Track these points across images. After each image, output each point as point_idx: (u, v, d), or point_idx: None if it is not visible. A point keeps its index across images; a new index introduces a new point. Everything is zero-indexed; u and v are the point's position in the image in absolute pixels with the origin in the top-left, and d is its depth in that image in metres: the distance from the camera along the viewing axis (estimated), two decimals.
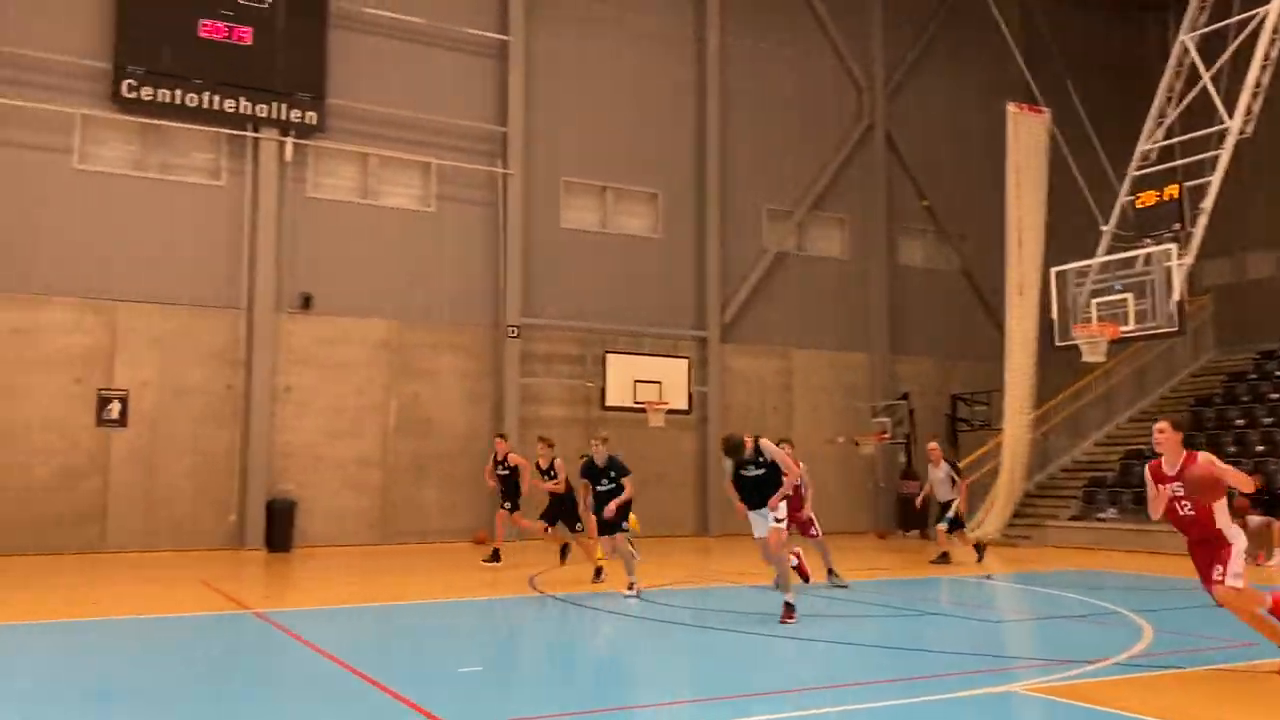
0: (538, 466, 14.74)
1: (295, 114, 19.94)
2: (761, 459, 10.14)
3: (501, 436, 16.68)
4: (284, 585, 14.69)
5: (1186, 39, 20.09)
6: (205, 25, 19.38)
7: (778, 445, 12.99)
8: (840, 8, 25.92)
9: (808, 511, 13.26)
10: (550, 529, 14.50)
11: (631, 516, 12.67)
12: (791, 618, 9.90)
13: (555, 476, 14.43)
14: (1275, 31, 18.43)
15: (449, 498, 20.68)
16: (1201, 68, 19.52)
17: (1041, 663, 8.57)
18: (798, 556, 12.51)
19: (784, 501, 10.24)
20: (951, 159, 27.01)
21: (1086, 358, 19.18)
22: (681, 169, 23.93)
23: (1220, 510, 7.38)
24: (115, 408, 18.53)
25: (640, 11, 23.69)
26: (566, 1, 22.91)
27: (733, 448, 10.10)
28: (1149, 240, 19.22)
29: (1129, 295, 18.37)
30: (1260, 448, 20.31)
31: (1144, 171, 20.20)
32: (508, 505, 15.59)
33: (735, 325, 24.19)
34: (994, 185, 22.86)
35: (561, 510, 14.36)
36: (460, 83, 21.77)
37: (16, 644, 9.40)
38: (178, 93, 19.08)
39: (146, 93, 18.88)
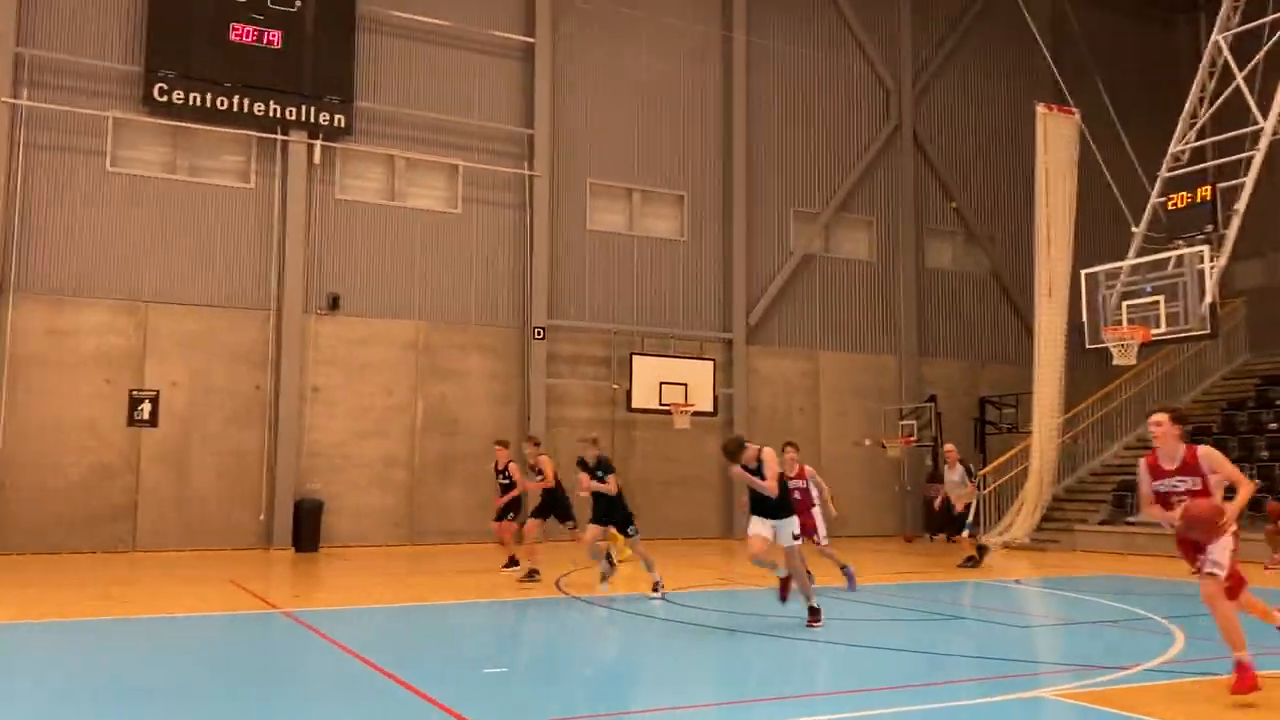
0: (529, 467, 14.61)
1: (324, 117, 20.09)
2: (760, 469, 10.01)
3: (502, 444, 15.79)
4: (312, 585, 14.78)
5: (1219, 38, 19.87)
6: (236, 29, 19.56)
7: (783, 448, 13.02)
8: (868, 9, 25.82)
9: (816, 517, 13.17)
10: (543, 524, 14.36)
11: (612, 530, 12.73)
12: (818, 622, 9.86)
13: (542, 475, 14.27)
14: None
15: (475, 498, 20.73)
16: (1235, 67, 19.30)
17: (1071, 668, 8.50)
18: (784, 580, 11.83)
19: (795, 516, 10.19)
20: (980, 160, 26.85)
21: (1117, 360, 18.98)
22: (708, 171, 23.91)
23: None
24: (146, 408, 18.72)
25: (666, 13, 23.69)
26: (593, 4, 22.94)
27: (729, 452, 10.02)
28: (1180, 242, 19.03)
29: (1160, 297, 18.17)
30: None
31: (1175, 172, 19.99)
32: (511, 515, 15.42)
33: (761, 327, 24.14)
34: (1023, 186, 22.74)
35: (554, 507, 14.31)
36: (487, 85, 21.86)
37: (49, 642, 9.51)
38: (208, 96, 19.26)
39: (177, 96, 19.07)
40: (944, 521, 17.63)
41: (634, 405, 21.26)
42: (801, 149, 24.89)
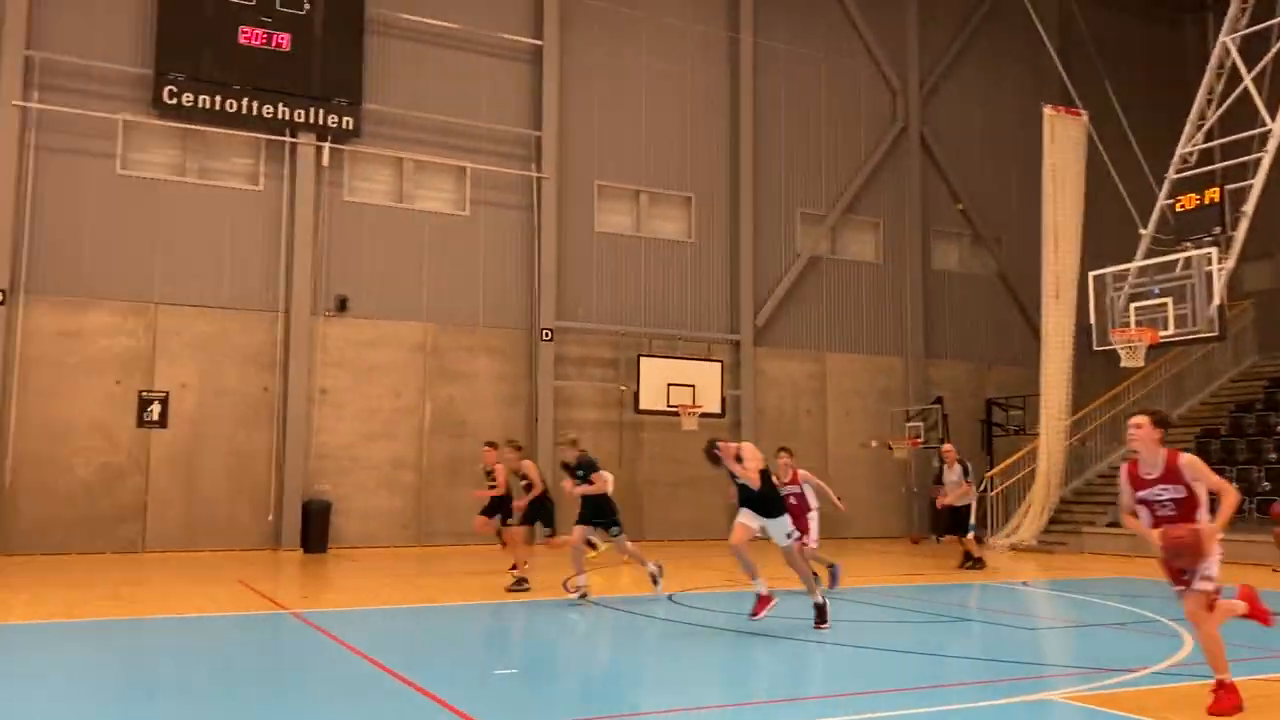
0: (513, 472, 14.46)
1: (332, 119, 20.15)
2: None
3: (490, 445, 15.09)
4: (320, 586, 14.82)
5: (1227, 40, 19.84)
6: (245, 32, 19.63)
7: (777, 453, 13.17)
8: (874, 10, 25.83)
9: (810, 522, 13.21)
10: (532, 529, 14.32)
11: (596, 539, 12.75)
12: (825, 624, 9.88)
13: (528, 482, 14.14)
14: None
15: (482, 500, 20.75)
16: (1243, 69, 19.27)
17: (1079, 671, 8.50)
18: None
19: (788, 515, 10.26)
20: (987, 162, 26.84)
21: (1125, 363, 18.96)
22: (715, 173, 23.94)
23: (1204, 512, 6.64)
24: (155, 409, 18.80)
25: (673, 15, 23.72)
26: (600, 6, 22.99)
27: (708, 453, 10.13)
28: (1188, 244, 19.01)
29: (1168, 299, 18.15)
30: None
31: (1183, 174, 19.98)
32: (500, 517, 14.92)
33: (768, 329, 24.16)
34: (1030, 188, 22.71)
35: (539, 513, 14.24)
36: (495, 87, 21.91)
37: (59, 642, 9.56)
38: (217, 98, 19.33)
39: (187, 99, 19.14)
40: (949, 523, 17.56)
41: (641, 407, 21.29)
42: (808, 150, 24.91)
